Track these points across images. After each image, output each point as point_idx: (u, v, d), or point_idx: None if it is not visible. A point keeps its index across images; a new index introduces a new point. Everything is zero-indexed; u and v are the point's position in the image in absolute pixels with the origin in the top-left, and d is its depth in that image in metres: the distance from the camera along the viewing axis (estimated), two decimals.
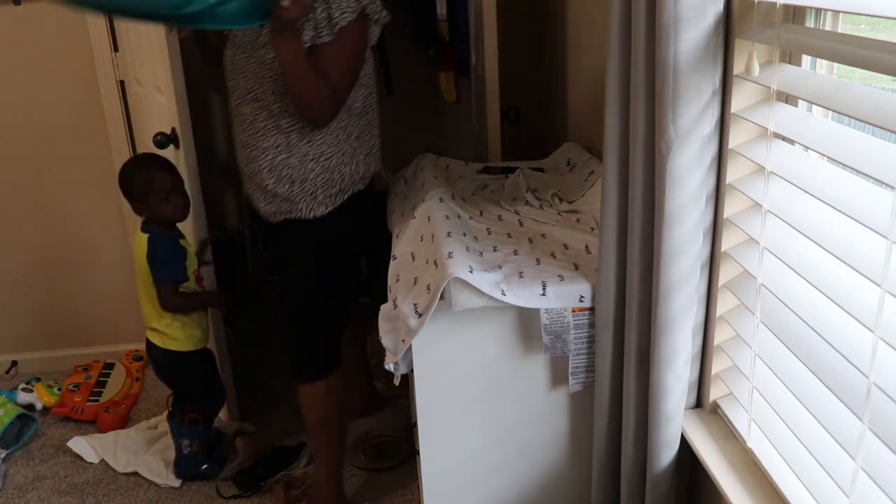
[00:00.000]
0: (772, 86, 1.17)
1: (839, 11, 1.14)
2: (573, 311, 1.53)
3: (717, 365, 1.44)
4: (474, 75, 2.77)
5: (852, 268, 1.01)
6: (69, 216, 2.99)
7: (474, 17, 2.61)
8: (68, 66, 2.80)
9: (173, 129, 2.38)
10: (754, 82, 1.22)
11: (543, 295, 1.51)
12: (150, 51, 2.43)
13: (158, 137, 2.38)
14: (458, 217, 1.81)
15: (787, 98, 1.23)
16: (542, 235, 1.76)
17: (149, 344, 2.35)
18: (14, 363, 3.15)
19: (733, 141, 1.28)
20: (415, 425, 1.65)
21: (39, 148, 2.89)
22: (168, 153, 2.49)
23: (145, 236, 2.23)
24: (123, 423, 2.75)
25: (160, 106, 2.47)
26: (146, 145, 2.75)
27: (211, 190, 2.58)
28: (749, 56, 1.19)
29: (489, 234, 1.77)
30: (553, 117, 2.87)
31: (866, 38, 0.99)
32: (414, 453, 2.36)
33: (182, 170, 2.32)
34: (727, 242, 1.35)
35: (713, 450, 1.40)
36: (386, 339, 1.58)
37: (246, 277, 3.76)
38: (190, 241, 2.35)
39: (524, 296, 1.50)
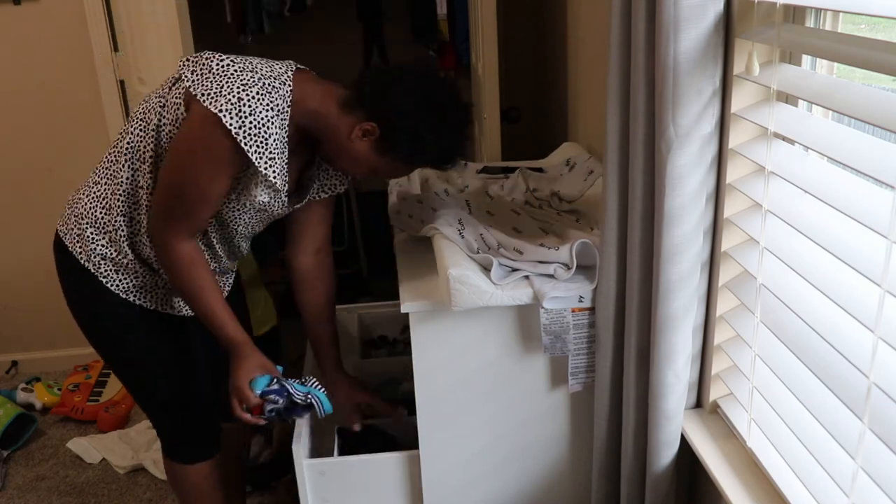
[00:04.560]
0: (772, 86, 1.17)
1: (839, 11, 1.14)
2: (573, 311, 1.53)
3: (717, 365, 1.44)
4: (474, 75, 2.77)
5: (852, 268, 1.01)
6: None
7: (474, 16, 2.61)
8: (68, 66, 2.80)
9: None
10: (754, 82, 1.22)
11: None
12: (160, 50, 2.41)
13: None
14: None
15: (787, 98, 1.23)
16: None
17: None
18: (14, 363, 3.15)
19: (733, 141, 1.28)
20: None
21: (39, 148, 2.89)
22: None
23: None
24: (123, 423, 2.75)
25: None
26: None
27: None
28: (749, 56, 1.19)
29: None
30: (553, 117, 2.87)
31: (866, 38, 0.99)
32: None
33: None
34: (727, 242, 1.35)
35: (713, 450, 1.40)
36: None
37: None
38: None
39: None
